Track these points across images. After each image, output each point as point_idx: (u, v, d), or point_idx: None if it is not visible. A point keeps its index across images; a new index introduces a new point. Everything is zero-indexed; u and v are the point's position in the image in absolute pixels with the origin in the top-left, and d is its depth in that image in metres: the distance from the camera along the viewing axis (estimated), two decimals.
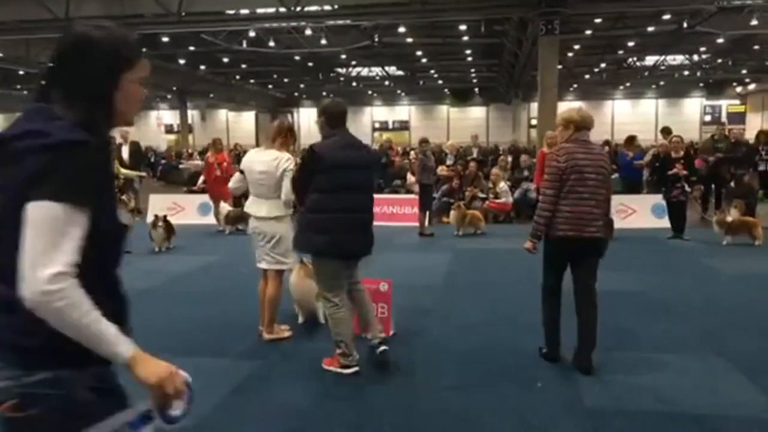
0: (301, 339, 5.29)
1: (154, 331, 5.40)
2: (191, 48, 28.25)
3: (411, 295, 6.52)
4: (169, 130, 42.03)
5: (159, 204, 12.20)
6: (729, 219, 9.87)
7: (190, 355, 4.50)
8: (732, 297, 6.63)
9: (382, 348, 4.47)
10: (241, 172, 5.21)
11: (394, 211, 12.70)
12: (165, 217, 9.64)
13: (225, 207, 11.43)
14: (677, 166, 9.86)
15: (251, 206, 5.14)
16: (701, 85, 41.84)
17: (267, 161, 5.01)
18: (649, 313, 5.99)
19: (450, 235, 10.86)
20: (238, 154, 20.52)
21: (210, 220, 11.98)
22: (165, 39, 25.82)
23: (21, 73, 31.06)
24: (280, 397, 4.12)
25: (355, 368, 4.42)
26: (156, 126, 37.83)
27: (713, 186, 12.63)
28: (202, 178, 12.83)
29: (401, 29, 24.52)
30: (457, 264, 8.57)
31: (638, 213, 11.73)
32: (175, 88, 37.60)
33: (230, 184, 5.50)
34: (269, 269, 5.18)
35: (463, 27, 24.32)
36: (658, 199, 10.77)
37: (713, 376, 4.42)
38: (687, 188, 10.15)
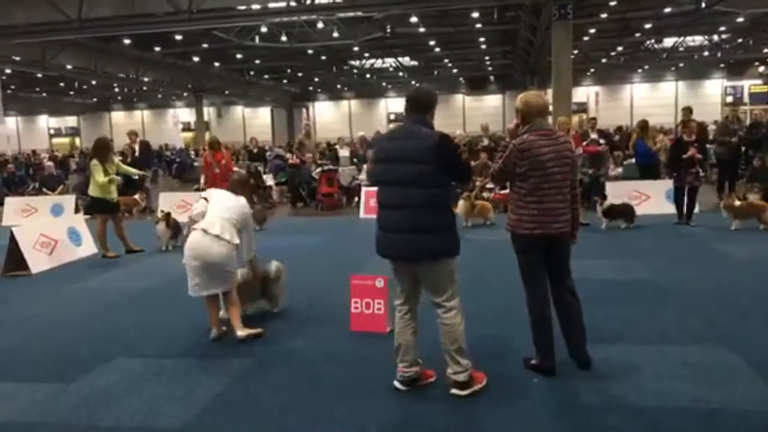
0: (279, 338, 5.20)
1: (148, 332, 5.46)
2: (204, 45, 28.38)
3: None
4: (185, 127, 42.30)
5: (169, 202, 12.15)
6: (737, 203, 9.64)
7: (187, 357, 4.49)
8: (742, 284, 6.46)
9: (453, 391, 3.99)
10: (206, 199, 5.34)
11: None
12: (168, 214, 9.49)
13: None
14: (691, 149, 9.63)
15: (206, 222, 5.10)
16: (722, 65, 40.97)
17: (235, 205, 5.28)
18: (655, 302, 5.86)
19: (458, 226, 10.68)
20: (251, 150, 20.45)
21: None
22: (178, 37, 25.96)
23: (39, 76, 31.51)
24: (273, 398, 4.10)
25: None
26: (172, 124, 38.13)
27: (729, 169, 12.31)
28: (203, 177, 13.11)
29: (413, 19, 24.36)
30: (463, 255, 8.31)
31: (652, 199, 11.45)
32: (190, 86, 37.85)
33: (194, 210, 5.39)
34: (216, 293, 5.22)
35: (475, 14, 24.05)
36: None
37: (717, 368, 4.28)
38: (701, 173, 9.89)
